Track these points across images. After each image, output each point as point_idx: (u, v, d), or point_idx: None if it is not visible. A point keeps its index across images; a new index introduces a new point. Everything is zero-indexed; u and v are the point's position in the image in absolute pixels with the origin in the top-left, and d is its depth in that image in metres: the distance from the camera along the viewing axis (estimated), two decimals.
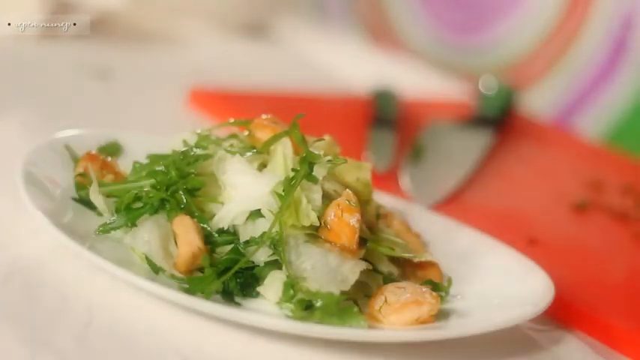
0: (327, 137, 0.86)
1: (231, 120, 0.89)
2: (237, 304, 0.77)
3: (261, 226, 0.79)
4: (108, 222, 0.80)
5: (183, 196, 0.81)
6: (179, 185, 0.81)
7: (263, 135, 0.85)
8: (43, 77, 1.30)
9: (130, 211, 0.80)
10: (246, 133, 0.87)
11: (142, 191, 0.81)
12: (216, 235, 0.80)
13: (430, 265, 0.86)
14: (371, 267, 0.81)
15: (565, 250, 1.03)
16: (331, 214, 0.79)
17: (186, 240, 0.78)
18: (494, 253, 0.90)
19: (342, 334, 0.74)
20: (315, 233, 0.79)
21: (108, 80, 1.33)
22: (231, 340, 0.74)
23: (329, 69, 1.64)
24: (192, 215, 0.80)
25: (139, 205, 0.81)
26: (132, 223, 0.80)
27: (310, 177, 0.80)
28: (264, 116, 0.87)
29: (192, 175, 0.82)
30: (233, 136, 0.87)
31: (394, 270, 0.84)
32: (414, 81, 1.61)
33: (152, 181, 0.82)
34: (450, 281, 0.84)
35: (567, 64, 1.54)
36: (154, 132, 0.97)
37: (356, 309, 0.76)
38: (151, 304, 0.76)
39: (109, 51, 1.46)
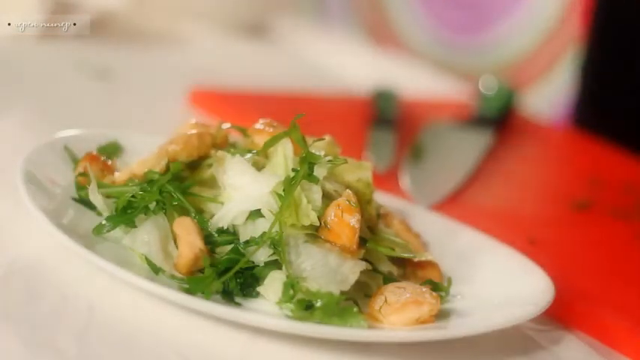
0: (327, 137, 0.86)
1: (228, 125, 0.89)
2: (238, 304, 0.77)
3: (261, 226, 0.79)
4: (102, 223, 0.80)
5: (176, 196, 0.81)
6: (169, 186, 0.81)
7: (261, 140, 0.85)
8: (43, 77, 1.30)
9: (125, 212, 0.80)
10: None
11: (138, 193, 0.81)
12: (216, 235, 0.80)
13: (430, 265, 0.86)
14: (371, 267, 0.81)
15: (565, 250, 1.03)
16: (331, 214, 0.79)
17: (188, 242, 0.78)
18: (494, 253, 0.90)
19: (342, 334, 0.74)
20: (315, 233, 0.79)
21: (108, 80, 1.33)
22: (231, 340, 0.74)
23: (329, 69, 1.64)
24: (188, 214, 0.81)
25: (135, 206, 0.81)
26: (127, 225, 0.80)
27: (310, 177, 0.80)
28: (261, 121, 0.87)
29: (183, 174, 0.82)
30: (231, 144, 0.87)
31: (394, 270, 0.84)
32: (414, 81, 1.61)
33: (144, 184, 0.82)
34: (449, 281, 0.84)
35: (567, 64, 1.54)
36: (154, 132, 0.97)
37: (356, 309, 0.76)
38: (151, 304, 0.76)
39: (109, 51, 1.46)
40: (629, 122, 1.42)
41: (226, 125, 0.89)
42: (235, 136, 0.89)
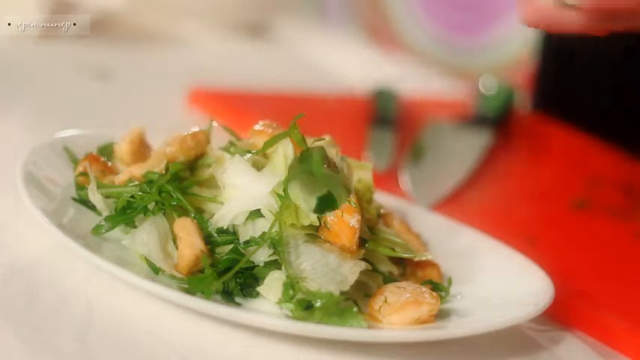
0: (327, 137, 0.86)
1: (216, 124, 0.89)
2: (237, 304, 0.77)
3: (261, 226, 0.79)
4: (101, 223, 0.80)
5: (175, 196, 0.81)
6: (169, 186, 0.81)
7: (261, 141, 0.84)
8: (43, 77, 1.30)
9: (124, 212, 0.80)
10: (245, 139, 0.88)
11: (137, 194, 0.81)
12: (216, 235, 0.80)
13: (430, 265, 0.86)
14: (371, 267, 0.81)
15: (565, 250, 1.03)
16: (331, 214, 0.79)
17: (189, 242, 0.78)
18: (494, 253, 0.90)
19: (342, 334, 0.74)
20: (315, 233, 0.79)
21: (108, 80, 1.33)
22: (231, 340, 0.74)
23: (329, 69, 1.64)
24: (187, 214, 0.81)
25: (135, 207, 0.81)
26: (126, 225, 0.80)
27: None
28: (260, 122, 0.87)
29: (183, 175, 0.82)
30: (231, 143, 0.87)
31: (394, 270, 0.84)
32: (414, 81, 1.61)
33: (143, 185, 0.82)
34: (450, 281, 0.84)
35: None
36: (154, 132, 0.96)
37: (356, 309, 0.76)
38: (151, 304, 0.76)
39: (109, 51, 1.46)
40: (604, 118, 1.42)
41: (216, 123, 0.89)
42: (234, 137, 0.89)
